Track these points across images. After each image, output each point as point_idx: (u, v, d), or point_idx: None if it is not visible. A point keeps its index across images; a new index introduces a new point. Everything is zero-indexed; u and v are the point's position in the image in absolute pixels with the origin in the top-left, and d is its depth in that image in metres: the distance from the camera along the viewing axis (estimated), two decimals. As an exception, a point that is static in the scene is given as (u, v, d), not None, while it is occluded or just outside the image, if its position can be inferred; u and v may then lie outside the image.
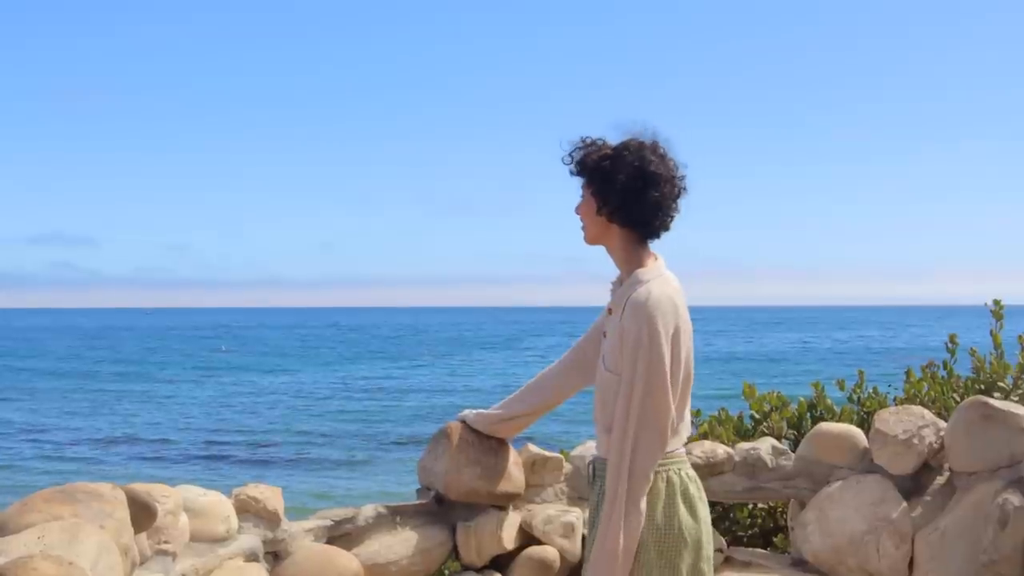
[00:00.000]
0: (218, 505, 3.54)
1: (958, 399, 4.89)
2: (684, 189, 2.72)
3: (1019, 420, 4.03)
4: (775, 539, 4.97)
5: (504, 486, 3.89)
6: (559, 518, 4.07)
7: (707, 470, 4.30)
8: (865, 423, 4.82)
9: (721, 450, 4.43)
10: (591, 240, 2.78)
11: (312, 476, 19.33)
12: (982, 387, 4.99)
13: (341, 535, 3.86)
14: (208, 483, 3.77)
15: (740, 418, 5.29)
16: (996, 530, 3.86)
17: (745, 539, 4.99)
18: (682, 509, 2.66)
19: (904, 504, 4.21)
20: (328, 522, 3.85)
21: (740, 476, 4.43)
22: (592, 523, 2.75)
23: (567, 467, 4.29)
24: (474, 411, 3.80)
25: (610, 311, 2.75)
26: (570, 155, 2.76)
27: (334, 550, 3.74)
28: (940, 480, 4.30)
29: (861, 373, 5.41)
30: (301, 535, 3.77)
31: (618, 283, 2.77)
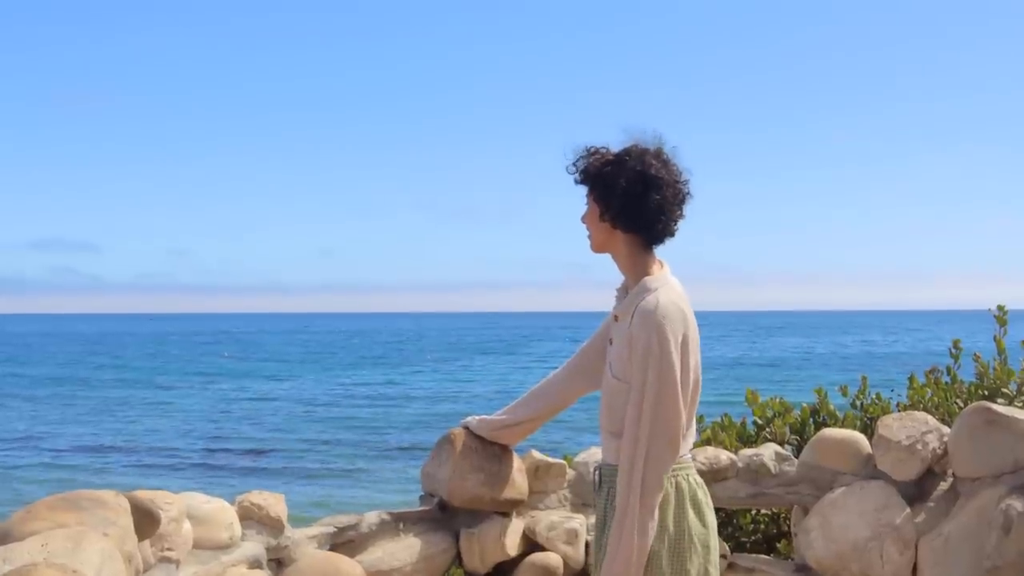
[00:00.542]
0: (221, 512, 3.53)
1: (962, 405, 4.88)
2: (688, 194, 2.72)
3: (1023, 426, 4.02)
4: (778, 545, 4.96)
5: (508, 492, 3.89)
6: (563, 524, 4.07)
7: (710, 476, 4.29)
8: (868, 429, 4.81)
9: (724, 456, 4.43)
10: (597, 248, 2.78)
11: (313, 485, 19.31)
12: (986, 393, 4.97)
13: (344, 542, 3.85)
14: (210, 490, 3.77)
15: (743, 424, 5.27)
16: (1000, 536, 3.85)
17: (748, 545, 4.98)
18: (691, 514, 2.67)
19: (907, 510, 4.19)
20: (331, 529, 3.84)
21: (743, 482, 4.43)
22: (599, 529, 2.74)
23: (570, 473, 4.28)
24: (477, 417, 3.80)
25: (616, 318, 2.75)
26: (574, 164, 2.76)
27: (338, 557, 3.72)
28: (944, 486, 4.29)
29: (864, 379, 5.39)
30: (304, 542, 3.76)
31: (623, 290, 2.77)
